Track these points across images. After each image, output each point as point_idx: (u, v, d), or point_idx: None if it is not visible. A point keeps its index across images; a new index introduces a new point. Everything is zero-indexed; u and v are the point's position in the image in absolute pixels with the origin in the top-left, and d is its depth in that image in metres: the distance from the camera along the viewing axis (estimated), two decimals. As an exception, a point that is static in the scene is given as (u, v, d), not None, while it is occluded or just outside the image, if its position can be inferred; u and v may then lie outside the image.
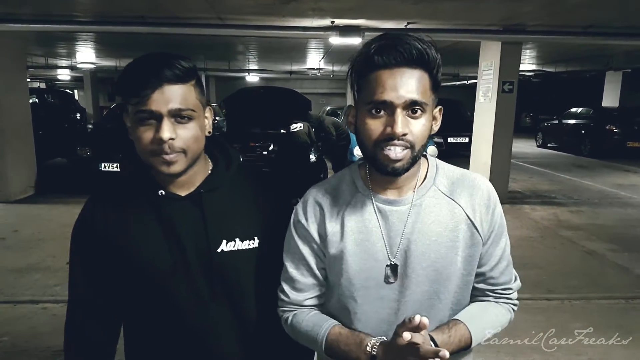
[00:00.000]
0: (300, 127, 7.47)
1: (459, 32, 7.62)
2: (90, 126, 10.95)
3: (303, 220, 1.23)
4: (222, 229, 1.22)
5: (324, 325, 1.20)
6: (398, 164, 1.08)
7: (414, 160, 1.11)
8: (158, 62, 1.11)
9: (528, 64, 15.28)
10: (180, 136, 1.11)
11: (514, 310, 1.27)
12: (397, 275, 1.17)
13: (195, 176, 1.23)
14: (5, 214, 7.03)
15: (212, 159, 1.30)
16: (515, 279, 1.27)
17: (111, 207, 1.23)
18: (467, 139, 10.87)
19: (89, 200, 1.28)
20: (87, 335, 1.30)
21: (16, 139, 7.91)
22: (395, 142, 1.06)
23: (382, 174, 1.13)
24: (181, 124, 1.12)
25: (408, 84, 1.05)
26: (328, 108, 17.55)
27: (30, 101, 9.19)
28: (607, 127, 14.07)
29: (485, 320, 1.21)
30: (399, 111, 1.05)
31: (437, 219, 1.16)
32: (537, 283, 4.75)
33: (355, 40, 7.48)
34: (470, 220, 1.17)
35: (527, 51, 12.53)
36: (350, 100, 20.45)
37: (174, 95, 1.10)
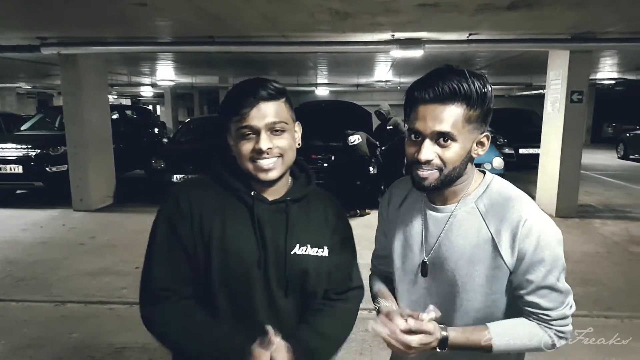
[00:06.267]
0: (359, 139, 7.56)
1: (524, 42, 7.43)
2: (165, 140, 11.55)
3: (382, 202, 1.59)
4: (298, 234, 1.38)
5: (377, 284, 1.59)
6: (425, 182, 1.27)
7: (446, 180, 1.27)
8: (253, 85, 1.32)
9: (608, 71, 14.57)
10: (276, 145, 1.32)
11: (559, 337, 1.31)
12: (426, 271, 1.37)
13: (281, 187, 1.42)
14: (86, 221, 7.61)
15: (291, 175, 1.48)
16: (564, 307, 1.30)
17: (206, 198, 1.37)
18: (539, 150, 10.51)
19: (181, 188, 1.40)
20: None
21: (97, 152, 8.54)
22: (422, 165, 1.25)
23: (415, 188, 1.34)
24: (276, 135, 1.32)
25: (438, 117, 1.21)
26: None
27: (113, 117, 9.88)
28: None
29: (515, 333, 1.29)
30: (427, 140, 1.23)
31: (464, 233, 1.31)
32: (596, 300, 4.56)
33: (417, 53, 7.50)
34: (495, 243, 1.27)
35: (607, 59, 11.97)
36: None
37: (268, 110, 1.31)
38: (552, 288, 1.27)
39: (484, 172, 1.39)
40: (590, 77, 16.31)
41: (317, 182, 1.52)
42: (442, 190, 1.32)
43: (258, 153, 1.30)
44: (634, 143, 15.80)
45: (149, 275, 1.34)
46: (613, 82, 16.09)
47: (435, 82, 1.21)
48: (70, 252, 6.00)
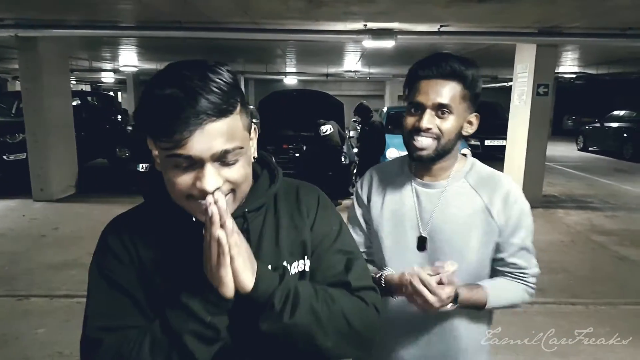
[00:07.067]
0: (331, 129, 7.52)
1: (492, 35, 7.52)
2: (129, 128, 11.24)
3: (359, 188, 1.61)
4: (268, 253, 1.02)
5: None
6: (424, 152, 1.38)
7: (441, 151, 1.39)
8: (191, 88, 0.84)
9: (569, 65, 14.93)
10: (227, 178, 0.90)
11: (530, 293, 1.50)
12: (426, 245, 1.44)
13: None
14: (47, 212, 7.34)
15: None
16: (535, 266, 1.50)
17: (142, 235, 1.01)
18: (504, 142, 10.72)
19: (108, 231, 1.05)
20: None
21: (58, 140, 8.23)
22: (422, 133, 1.36)
23: (412, 159, 1.44)
24: (227, 166, 0.90)
25: (439, 91, 1.35)
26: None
27: (73, 103, 9.55)
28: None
29: (503, 291, 1.45)
30: (427, 110, 1.36)
31: (459, 205, 1.44)
32: (563, 288, 4.71)
33: (388, 43, 7.50)
34: (488, 210, 1.42)
35: (569, 53, 12.24)
36: (388, 103, 20.40)
37: (218, 134, 0.86)
38: (527, 249, 1.47)
39: (464, 155, 1.54)
40: (553, 71, 16.82)
41: (288, 173, 1.22)
42: (435, 163, 1.43)
43: (201, 193, 0.88)
44: (593, 136, 16.36)
45: (87, 335, 1.01)
46: (574, 76, 16.51)
47: (438, 61, 1.36)
48: (31, 244, 5.78)
